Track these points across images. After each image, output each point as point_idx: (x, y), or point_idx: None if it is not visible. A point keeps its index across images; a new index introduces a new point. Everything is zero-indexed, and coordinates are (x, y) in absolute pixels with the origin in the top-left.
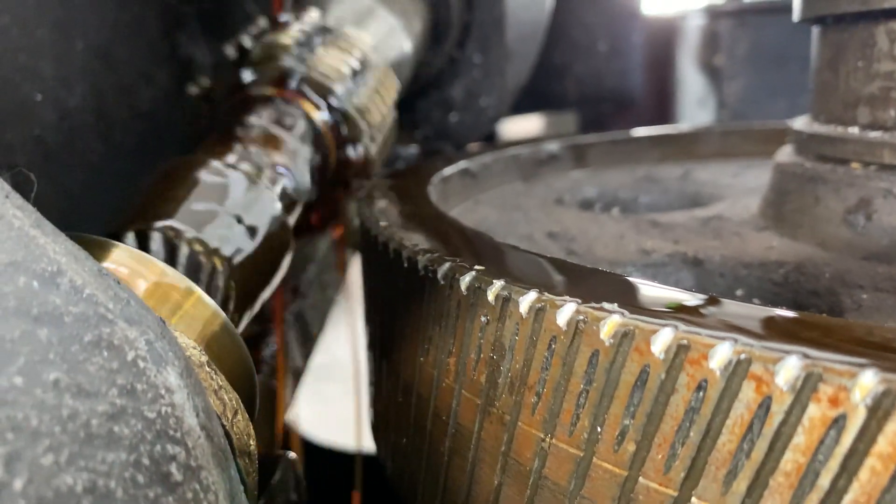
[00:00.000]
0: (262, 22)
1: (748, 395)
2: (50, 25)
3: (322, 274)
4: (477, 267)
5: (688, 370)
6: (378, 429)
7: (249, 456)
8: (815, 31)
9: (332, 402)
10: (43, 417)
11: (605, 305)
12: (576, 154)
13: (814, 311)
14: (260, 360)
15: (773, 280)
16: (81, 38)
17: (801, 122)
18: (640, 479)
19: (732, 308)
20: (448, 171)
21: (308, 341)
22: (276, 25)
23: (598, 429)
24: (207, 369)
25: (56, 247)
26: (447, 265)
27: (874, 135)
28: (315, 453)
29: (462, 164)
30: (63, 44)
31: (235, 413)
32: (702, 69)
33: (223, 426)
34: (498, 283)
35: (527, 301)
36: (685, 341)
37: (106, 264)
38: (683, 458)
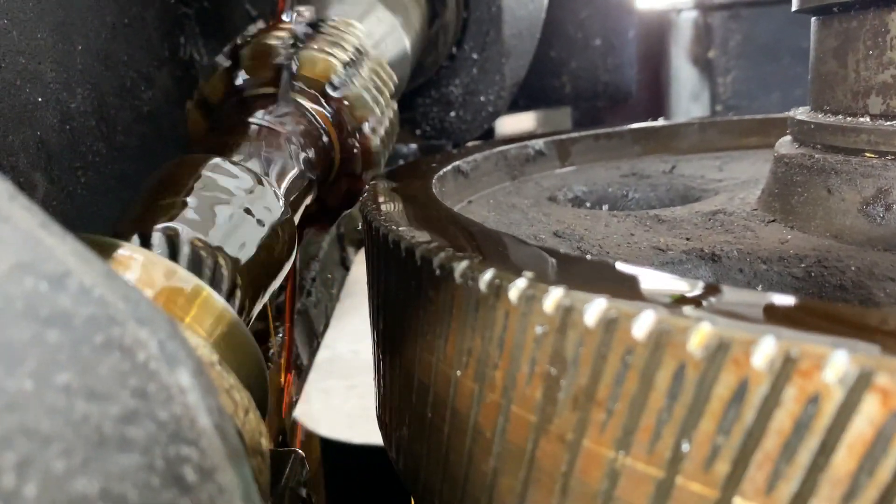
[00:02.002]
0: (257, 25)
1: (871, 409)
2: (50, 28)
3: (325, 272)
4: (527, 273)
5: (797, 383)
6: (395, 440)
7: (262, 455)
8: (816, 20)
9: (335, 397)
10: (54, 422)
11: (690, 312)
12: (560, 151)
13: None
14: (267, 358)
15: (794, 275)
16: (81, 41)
17: (802, 113)
18: (736, 500)
19: (835, 310)
20: (443, 170)
21: (312, 338)
22: (271, 25)
23: (685, 447)
24: (218, 368)
25: (64, 248)
26: (490, 273)
27: (889, 124)
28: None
29: (455, 163)
30: (63, 46)
31: (247, 412)
32: (695, 63)
33: (235, 425)
34: (556, 291)
35: (594, 310)
36: (794, 351)
37: (114, 264)
38: (790, 479)
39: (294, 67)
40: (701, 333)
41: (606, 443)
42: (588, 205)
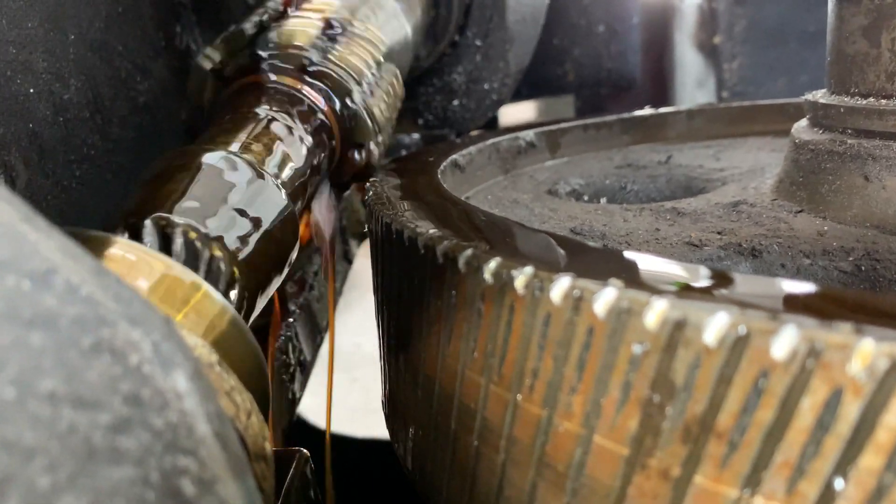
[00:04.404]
0: (276, 2)
1: None
2: (41, 17)
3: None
4: (615, 282)
5: None
6: (419, 462)
7: (265, 459)
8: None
9: (337, 391)
10: (38, 433)
11: (846, 326)
12: (550, 142)
13: None
14: (270, 354)
15: (841, 269)
16: (74, 30)
17: (823, 97)
18: None
19: None
20: (442, 165)
21: (316, 334)
22: (286, 12)
23: (839, 485)
24: (218, 369)
25: (49, 243)
26: (565, 282)
27: None
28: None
29: (452, 157)
30: (55, 36)
31: (249, 415)
32: (700, 49)
33: (237, 430)
34: (660, 303)
35: (717, 326)
36: None
37: (106, 260)
38: None
39: (323, 66)
40: (864, 353)
41: (728, 480)
42: (586, 198)
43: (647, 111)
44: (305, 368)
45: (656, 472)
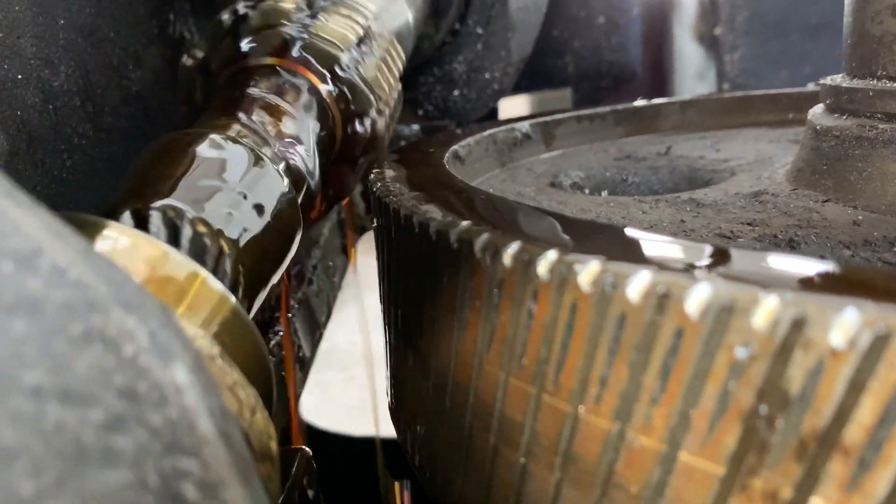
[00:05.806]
0: None
1: None
2: (29, 0)
3: (326, 259)
4: (701, 274)
5: None
6: (449, 485)
7: (271, 460)
8: None
9: (333, 389)
10: (21, 432)
11: None
12: (545, 134)
13: None
14: (269, 350)
15: (885, 260)
16: (63, 14)
17: (845, 81)
18: None
19: None
20: (445, 156)
21: (315, 329)
22: None
23: None
24: (220, 362)
25: (33, 221)
26: (645, 277)
27: None
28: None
29: (453, 148)
30: (44, 20)
31: (253, 411)
32: (700, 41)
33: (241, 428)
34: (772, 299)
35: (848, 324)
36: None
37: (99, 245)
38: None
39: (304, 39)
40: None
41: (856, 503)
42: (587, 191)
43: (641, 102)
44: (304, 365)
45: (761, 493)
